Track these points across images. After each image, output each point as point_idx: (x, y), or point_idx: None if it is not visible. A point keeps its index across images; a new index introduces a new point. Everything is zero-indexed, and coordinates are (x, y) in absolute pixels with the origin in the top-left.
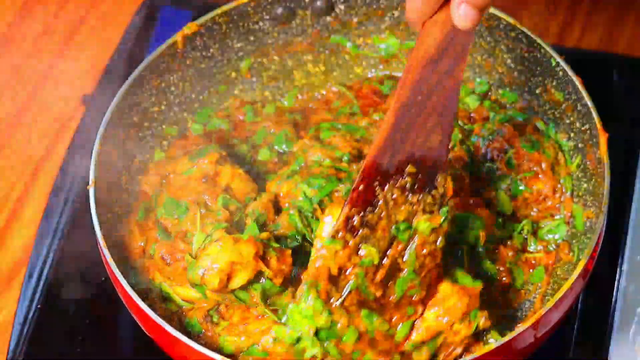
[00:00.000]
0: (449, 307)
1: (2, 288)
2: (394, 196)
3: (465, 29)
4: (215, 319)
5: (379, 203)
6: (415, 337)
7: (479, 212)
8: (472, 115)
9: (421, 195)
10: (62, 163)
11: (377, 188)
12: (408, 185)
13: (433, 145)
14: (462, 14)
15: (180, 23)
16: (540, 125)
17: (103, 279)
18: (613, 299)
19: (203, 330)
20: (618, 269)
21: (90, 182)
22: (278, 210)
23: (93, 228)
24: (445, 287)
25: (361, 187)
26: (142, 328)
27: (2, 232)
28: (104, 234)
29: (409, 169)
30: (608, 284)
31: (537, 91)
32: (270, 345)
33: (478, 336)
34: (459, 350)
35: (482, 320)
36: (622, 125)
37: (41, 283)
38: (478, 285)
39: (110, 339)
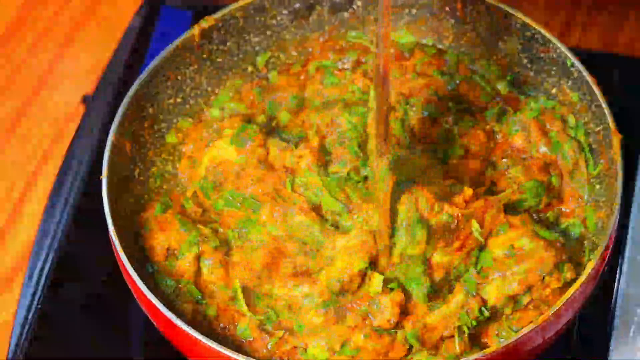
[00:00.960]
0: (541, 258)
1: (2, 288)
2: None
3: None
4: (269, 327)
5: None
6: (509, 290)
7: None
8: (498, 99)
9: None
10: (62, 163)
11: None
12: None
13: None
14: None
15: (180, 23)
16: (571, 120)
17: (103, 279)
18: (613, 299)
19: (252, 338)
20: (618, 269)
21: (104, 173)
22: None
23: (93, 228)
24: (525, 241)
25: None
26: (157, 327)
27: (2, 232)
28: (117, 230)
29: None
30: (608, 284)
31: (553, 91)
32: (362, 342)
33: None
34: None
35: (569, 273)
36: (622, 126)
37: (41, 283)
38: (557, 237)
39: (111, 339)
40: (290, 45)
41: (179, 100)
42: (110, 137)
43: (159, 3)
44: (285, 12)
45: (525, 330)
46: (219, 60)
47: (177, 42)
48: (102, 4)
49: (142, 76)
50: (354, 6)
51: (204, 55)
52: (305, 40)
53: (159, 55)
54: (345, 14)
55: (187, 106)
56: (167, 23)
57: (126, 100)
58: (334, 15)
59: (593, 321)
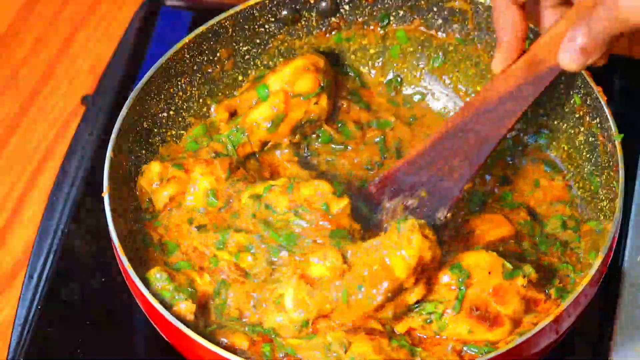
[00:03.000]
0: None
1: (2, 288)
2: (395, 208)
3: (567, 68)
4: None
5: (379, 209)
6: None
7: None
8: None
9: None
10: (62, 163)
11: (385, 195)
12: (412, 206)
13: (450, 182)
14: (572, 55)
15: (180, 23)
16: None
17: (103, 279)
18: (614, 300)
19: (247, 343)
20: (618, 269)
21: (105, 189)
22: None
23: (93, 228)
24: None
25: (374, 188)
26: (159, 330)
27: (2, 232)
28: (121, 242)
29: (422, 192)
30: (608, 284)
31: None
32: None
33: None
34: None
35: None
36: (622, 126)
37: (41, 283)
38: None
39: (111, 340)
40: (279, 53)
41: (172, 113)
42: (109, 154)
43: (159, 3)
44: (273, 19)
45: (540, 325)
46: (209, 70)
47: (168, 54)
48: (102, 4)
49: (135, 92)
50: (341, 10)
51: (195, 67)
52: (294, 47)
53: (151, 70)
54: (333, 19)
55: (180, 119)
56: (167, 23)
57: (122, 114)
58: (321, 21)
59: (594, 322)
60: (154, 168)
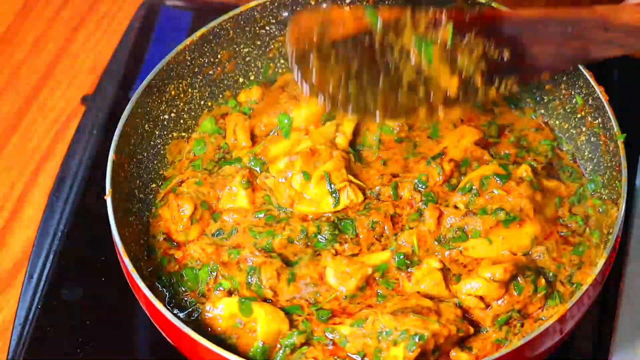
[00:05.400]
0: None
1: (2, 288)
2: (473, 49)
3: None
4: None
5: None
6: None
7: None
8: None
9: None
10: (62, 163)
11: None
12: (490, 57)
13: (534, 61)
14: None
15: (180, 23)
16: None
17: (103, 279)
18: (614, 300)
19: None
20: (620, 269)
21: (107, 192)
22: None
23: (93, 228)
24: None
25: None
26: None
27: (2, 232)
28: (124, 245)
29: (506, 51)
30: (609, 283)
31: (547, 87)
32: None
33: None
34: None
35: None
36: (622, 126)
37: (41, 283)
38: None
39: (111, 340)
40: (280, 55)
41: (173, 115)
42: (111, 156)
43: (159, 3)
44: (274, 21)
45: (545, 324)
46: (210, 72)
47: (169, 57)
48: (102, 4)
49: (136, 94)
50: None
51: (195, 69)
52: None
53: (151, 72)
54: None
55: (182, 121)
56: (167, 23)
57: (124, 116)
58: None
59: (593, 322)
60: (186, 209)
